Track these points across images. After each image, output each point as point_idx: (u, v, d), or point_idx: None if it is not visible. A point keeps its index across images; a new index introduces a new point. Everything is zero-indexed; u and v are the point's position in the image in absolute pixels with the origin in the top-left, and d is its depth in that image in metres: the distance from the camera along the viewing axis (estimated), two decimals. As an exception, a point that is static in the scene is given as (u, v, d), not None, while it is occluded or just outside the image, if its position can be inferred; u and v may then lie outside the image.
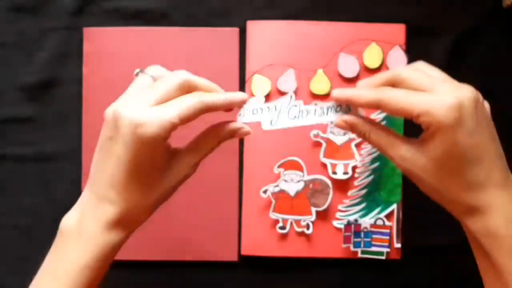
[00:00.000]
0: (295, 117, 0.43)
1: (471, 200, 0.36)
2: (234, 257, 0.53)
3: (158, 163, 0.37)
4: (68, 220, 0.38)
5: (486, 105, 0.38)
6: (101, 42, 0.54)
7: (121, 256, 0.52)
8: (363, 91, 0.38)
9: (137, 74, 0.40)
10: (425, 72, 0.37)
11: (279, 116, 0.43)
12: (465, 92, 0.35)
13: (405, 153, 0.37)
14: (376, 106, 0.37)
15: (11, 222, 0.54)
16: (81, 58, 0.54)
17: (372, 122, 0.39)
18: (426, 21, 0.54)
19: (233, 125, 0.39)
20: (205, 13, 0.54)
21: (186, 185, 0.52)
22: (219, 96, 0.38)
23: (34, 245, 0.53)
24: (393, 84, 0.37)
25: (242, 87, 0.54)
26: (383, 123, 0.53)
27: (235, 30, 0.54)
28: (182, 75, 0.37)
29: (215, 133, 0.39)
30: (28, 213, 0.54)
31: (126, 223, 0.38)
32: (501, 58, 0.55)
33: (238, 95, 0.39)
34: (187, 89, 0.37)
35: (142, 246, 0.53)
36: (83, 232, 0.37)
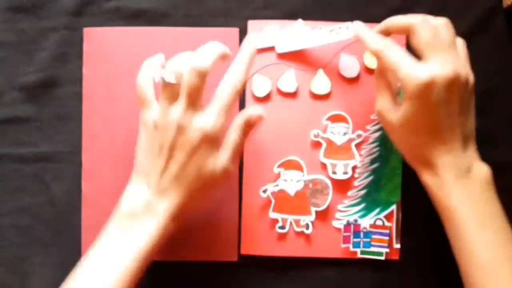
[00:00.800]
0: (304, 40, 0.51)
1: (429, 155, 0.43)
2: (234, 257, 0.53)
3: (212, 162, 0.43)
4: (137, 204, 0.42)
5: (471, 80, 0.43)
6: (101, 42, 0.54)
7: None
8: (377, 38, 0.45)
9: (161, 80, 0.43)
10: (436, 32, 0.43)
11: (291, 40, 0.52)
12: (444, 71, 0.41)
13: (387, 105, 0.45)
14: (376, 55, 0.45)
15: (11, 222, 0.54)
16: (81, 58, 0.54)
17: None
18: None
19: (241, 117, 0.46)
20: (205, 13, 0.54)
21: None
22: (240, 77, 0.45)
23: (34, 245, 0.53)
24: (409, 29, 0.44)
25: (242, 87, 0.54)
26: (381, 132, 0.53)
27: (235, 30, 0.54)
28: (195, 80, 0.43)
29: (233, 128, 0.45)
30: (28, 213, 0.54)
31: (183, 215, 0.44)
32: (501, 58, 0.55)
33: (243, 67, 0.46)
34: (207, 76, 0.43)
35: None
36: (155, 216, 0.42)
